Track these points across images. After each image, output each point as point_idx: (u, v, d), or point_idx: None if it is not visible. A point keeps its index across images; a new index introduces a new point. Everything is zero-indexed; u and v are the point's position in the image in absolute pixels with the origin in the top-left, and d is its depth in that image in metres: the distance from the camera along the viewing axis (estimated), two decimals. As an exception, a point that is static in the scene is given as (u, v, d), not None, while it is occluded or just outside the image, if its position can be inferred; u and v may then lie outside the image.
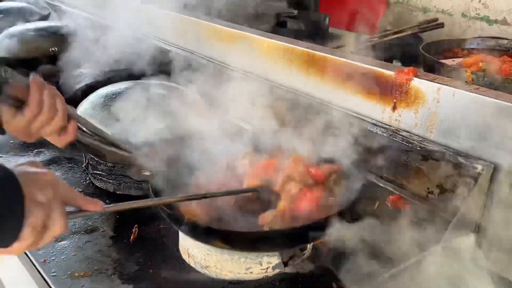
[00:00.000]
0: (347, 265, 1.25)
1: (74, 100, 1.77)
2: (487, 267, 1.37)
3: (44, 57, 2.29)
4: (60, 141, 1.23)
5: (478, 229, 1.37)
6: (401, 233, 1.36)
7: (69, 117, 1.23)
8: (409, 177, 1.50)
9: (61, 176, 1.73)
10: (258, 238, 1.18)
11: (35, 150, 1.89)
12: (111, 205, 1.15)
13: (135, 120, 1.62)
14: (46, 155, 1.87)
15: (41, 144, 1.88)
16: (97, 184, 1.68)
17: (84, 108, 1.69)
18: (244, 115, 1.79)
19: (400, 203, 1.50)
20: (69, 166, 1.79)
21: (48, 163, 1.81)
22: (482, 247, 1.37)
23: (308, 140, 1.53)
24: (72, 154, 1.82)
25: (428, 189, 1.44)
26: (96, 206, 1.03)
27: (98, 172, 1.65)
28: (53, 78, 2.10)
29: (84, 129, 1.34)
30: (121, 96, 1.70)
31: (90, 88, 1.84)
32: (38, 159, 1.83)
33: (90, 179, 1.71)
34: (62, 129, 1.21)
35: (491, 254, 1.36)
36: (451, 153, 1.36)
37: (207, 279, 1.28)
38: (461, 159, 1.34)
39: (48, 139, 1.23)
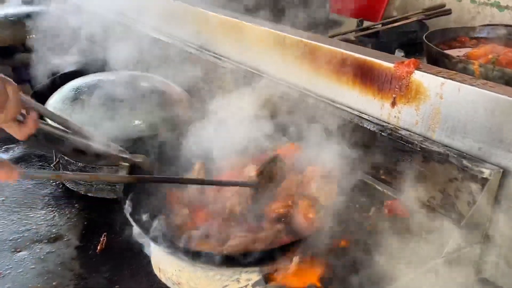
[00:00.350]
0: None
1: (43, 92, 1.63)
2: (494, 280, 1.26)
3: (21, 44, 2.15)
4: (21, 133, 1.13)
5: (484, 240, 1.25)
6: (399, 244, 1.25)
7: (28, 108, 1.13)
8: (408, 181, 1.37)
9: (30, 176, 1.62)
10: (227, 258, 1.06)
11: (4, 147, 1.78)
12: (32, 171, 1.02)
13: (110, 116, 1.50)
14: (16, 152, 1.76)
15: (11, 140, 1.77)
16: (67, 185, 1.55)
17: (53, 101, 1.57)
18: (231, 108, 1.68)
19: (398, 209, 1.37)
20: (39, 165, 1.68)
21: (17, 160, 1.70)
22: (489, 259, 1.26)
23: (298, 139, 1.41)
24: (42, 150, 1.71)
25: (429, 194, 1.32)
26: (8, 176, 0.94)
27: (68, 172, 1.52)
28: (29, 68, 1.97)
29: (49, 120, 1.23)
30: (95, 89, 1.57)
31: (62, 79, 1.70)
32: (7, 156, 1.71)
33: (60, 179, 1.59)
34: (22, 121, 1.12)
35: (499, 267, 1.25)
36: (456, 155, 1.24)
37: (179, 297, 1.16)
38: (466, 162, 1.22)
39: (8, 130, 1.14)
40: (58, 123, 1.26)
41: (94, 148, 1.27)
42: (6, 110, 1.06)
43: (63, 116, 1.30)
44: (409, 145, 1.35)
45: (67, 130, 1.25)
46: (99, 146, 1.27)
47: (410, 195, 1.42)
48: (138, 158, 1.27)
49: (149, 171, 1.30)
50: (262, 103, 1.63)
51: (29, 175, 1.16)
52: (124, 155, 1.28)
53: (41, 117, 1.25)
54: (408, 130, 1.38)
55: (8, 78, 1.08)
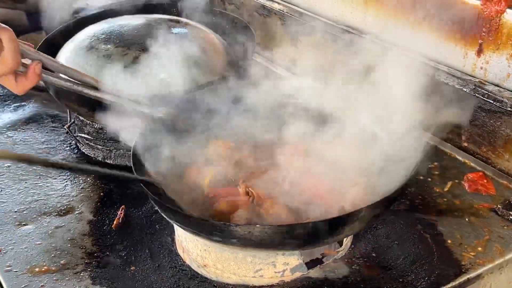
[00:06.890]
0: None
1: (56, 41, 1.71)
2: None
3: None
4: (18, 87, 1.20)
5: None
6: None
7: (33, 59, 1.20)
8: (497, 148, 1.42)
9: (41, 138, 1.72)
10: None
11: (13, 105, 1.89)
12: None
13: (130, 69, 1.54)
14: (26, 111, 1.87)
15: (22, 98, 1.86)
16: (83, 150, 1.65)
17: (66, 51, 1.63)
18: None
19: (482, 184, 1.40)
20: (52, 126, 1.77)
21: (27, 121, 1.80)
22: None
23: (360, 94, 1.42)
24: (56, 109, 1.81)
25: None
26: None
27: (84, 135, 1.61)
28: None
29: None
30: (114, 36, 1.61)
31: (79, 25, 1.76)
32: (16, 116, 1.81)
33: (75, 143, 1.69)
34: (21, 73, 1.18)
35: None
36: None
37: (204, 283, 1.20)
38: None
39: (4, 84, 1.21)
40: (69, 76, 1.33)
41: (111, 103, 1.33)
42: (2, 62, 1.12)
43: (73, 67, 1.36)
44: (498, 103, 1.36)
45: (78, 82, 1.32)
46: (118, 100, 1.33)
47: (498, 166, 1.42)
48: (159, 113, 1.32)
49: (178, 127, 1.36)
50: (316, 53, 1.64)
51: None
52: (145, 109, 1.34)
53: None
54: (497, 86, 1.40)
55: (3, 25, 1.13)
